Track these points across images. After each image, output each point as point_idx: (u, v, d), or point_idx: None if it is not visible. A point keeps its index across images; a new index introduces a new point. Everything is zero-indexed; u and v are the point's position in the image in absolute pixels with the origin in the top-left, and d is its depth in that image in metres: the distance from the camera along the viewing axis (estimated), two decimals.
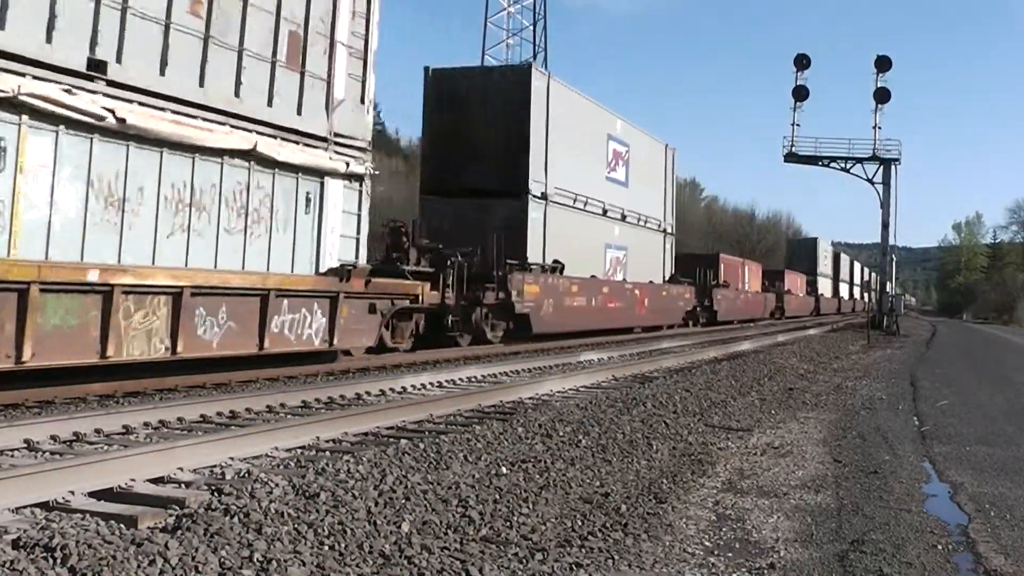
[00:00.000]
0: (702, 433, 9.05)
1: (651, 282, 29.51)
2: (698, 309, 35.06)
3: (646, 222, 29.79)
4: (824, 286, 73.70)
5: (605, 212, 25.93)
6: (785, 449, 8.50)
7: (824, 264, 74.48)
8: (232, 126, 11.50)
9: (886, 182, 40.02)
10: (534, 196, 21.40)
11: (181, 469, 5.92)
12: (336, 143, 13.42)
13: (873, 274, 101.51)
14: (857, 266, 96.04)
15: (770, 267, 59.91)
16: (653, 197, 30.81)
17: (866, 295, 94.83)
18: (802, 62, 40.68)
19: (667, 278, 31.95)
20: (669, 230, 32.61)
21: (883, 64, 40.01)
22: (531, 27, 58.85)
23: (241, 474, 5.95)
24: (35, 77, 9.09)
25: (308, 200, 12.93)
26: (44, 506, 5.00)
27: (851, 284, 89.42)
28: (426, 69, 22.06)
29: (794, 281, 59.80)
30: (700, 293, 34.97)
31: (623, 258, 27.50)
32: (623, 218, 27.48)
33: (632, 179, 28.23)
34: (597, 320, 24.19)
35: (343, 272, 13.35)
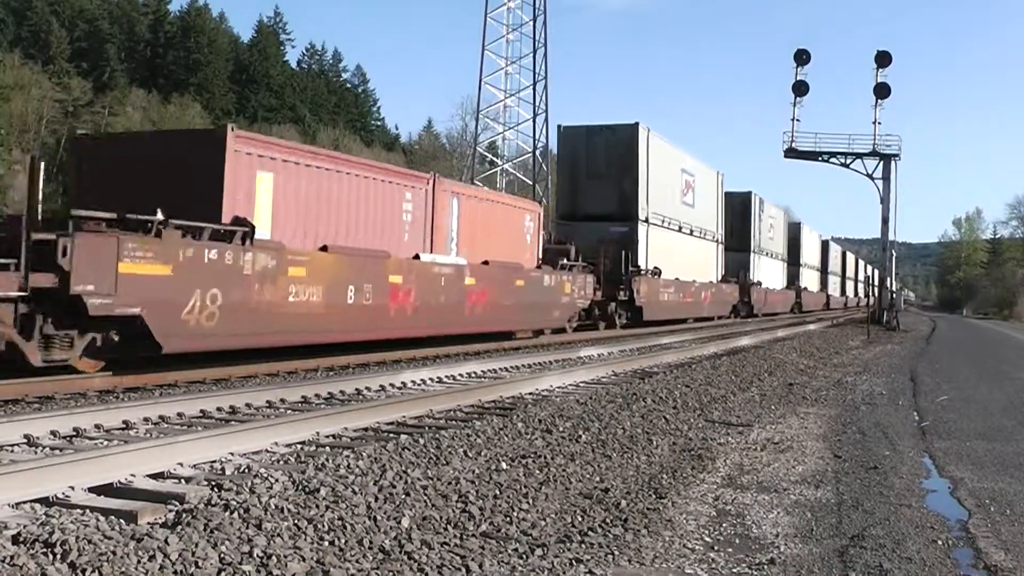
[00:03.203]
0: (702, 428, 9.05)
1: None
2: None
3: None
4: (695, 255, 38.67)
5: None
6: (785, 444, 8.49)
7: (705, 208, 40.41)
8: None
9: (886, 177, 39.96)
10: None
11: (181, 464, 5.92)
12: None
13: (870, 268, 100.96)
14: (836, 252, 78.55)
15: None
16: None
17: (865, 290, 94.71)
18: (802, 57, 40.58)
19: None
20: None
21: (883, 59, 39.91)
22: (531, 22, 58.72)
23: (241, 469, 5.96)
24: None
25: None
26: (44, 502, 4.99)
27: (842, 277, 78.43)
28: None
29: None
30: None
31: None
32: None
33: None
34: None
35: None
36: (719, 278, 37.97)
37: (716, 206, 38.44)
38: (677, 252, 31.71)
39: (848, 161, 40.70)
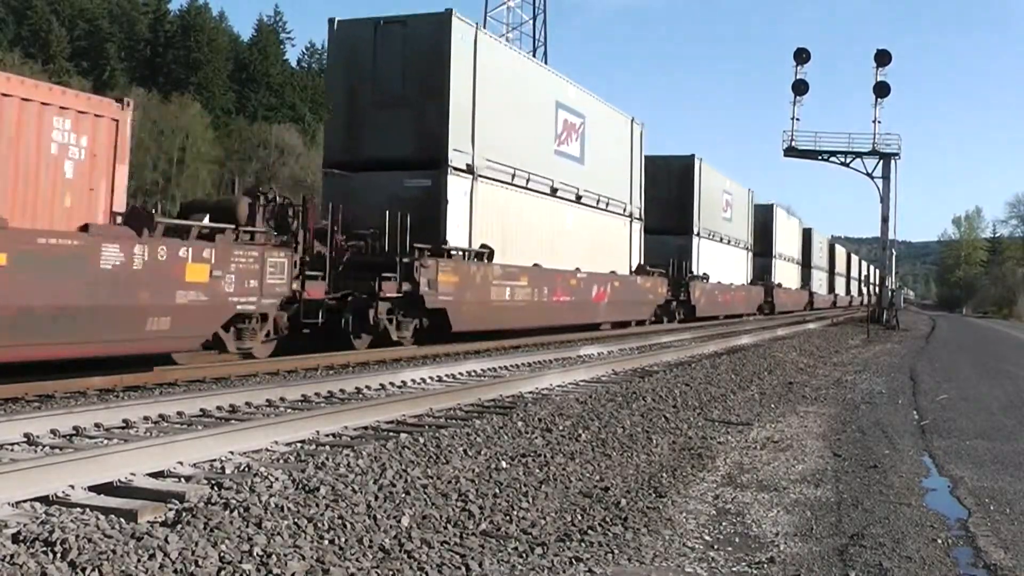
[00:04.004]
0: (702, 427, 9.06)
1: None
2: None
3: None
4: None
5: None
6: (785, 443, 8.50)
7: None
8: None
9: (886, 176, 39.99)
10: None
11: (181, 463, 5.92)
12: None
13: (865, 265, 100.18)
14: (822, 243, 70.40)
15: None
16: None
17: (859, 288, 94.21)
18: (801, 56, 40.65)
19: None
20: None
21: (883, 58, 39.96)
22: (531, 21, 58.71)
23: (241, 468, 5.96)
24: None
25: None
26: (44, 500, 4.99)
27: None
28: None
29: None
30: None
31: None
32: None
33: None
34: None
35: None
36: (633, 268, 27.98)
37: (629, 167, 27.83)
38: (543, 227, 21.77)
39: (848, 160, 40.75)
